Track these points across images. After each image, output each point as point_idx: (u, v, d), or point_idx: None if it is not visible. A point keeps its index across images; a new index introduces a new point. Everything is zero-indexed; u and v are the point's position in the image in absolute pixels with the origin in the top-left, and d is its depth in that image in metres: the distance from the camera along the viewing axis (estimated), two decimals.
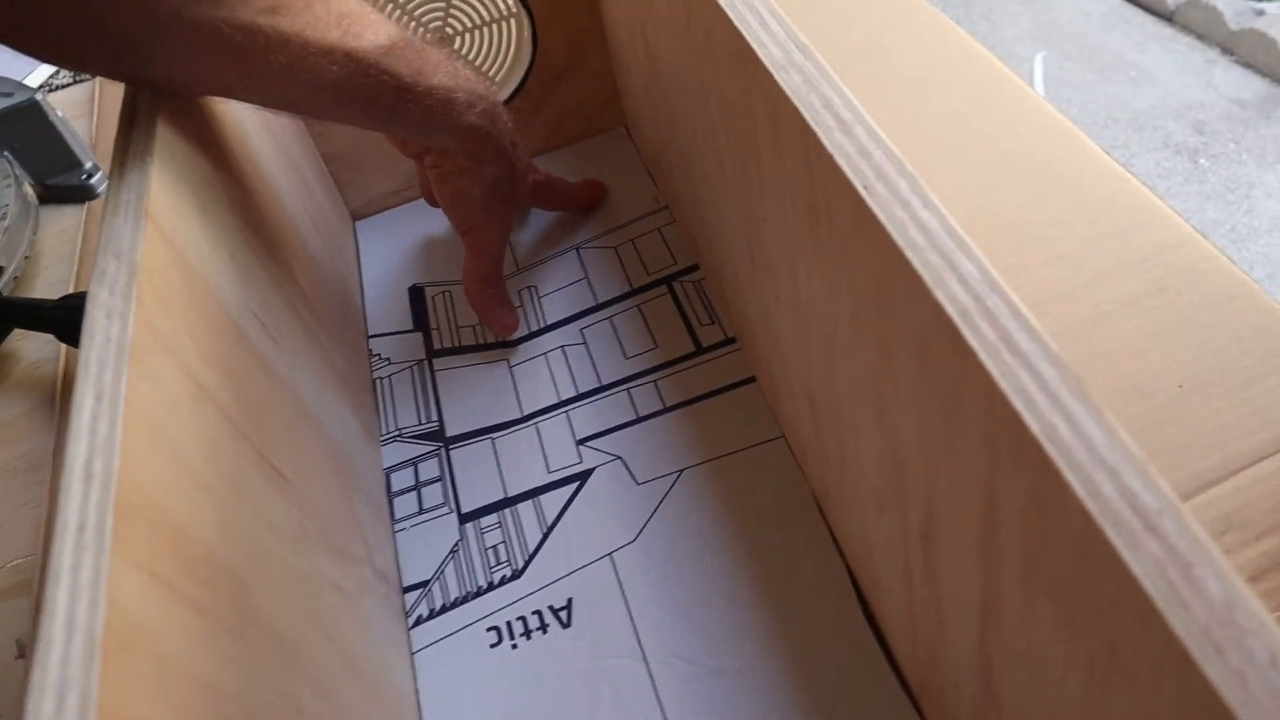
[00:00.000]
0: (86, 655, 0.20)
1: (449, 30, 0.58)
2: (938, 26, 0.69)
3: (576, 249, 0.59)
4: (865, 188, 0.24)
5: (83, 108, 0.84)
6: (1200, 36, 1.66)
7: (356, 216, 0.64)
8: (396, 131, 0.46)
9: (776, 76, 0.27)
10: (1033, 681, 0.24)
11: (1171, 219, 0.55)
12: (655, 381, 0.52)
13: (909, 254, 0.22)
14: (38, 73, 0.88)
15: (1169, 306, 0.52)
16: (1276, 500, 0.44)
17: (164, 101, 0.35)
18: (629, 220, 0.60)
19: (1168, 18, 1.72)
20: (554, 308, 0.56)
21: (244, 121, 0.45)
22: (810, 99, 0.26)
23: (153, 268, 0.29)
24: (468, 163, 0.48)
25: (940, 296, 0.21)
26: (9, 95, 0.78)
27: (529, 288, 0.57)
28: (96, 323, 0.27)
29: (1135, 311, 0.52)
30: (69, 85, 0.88)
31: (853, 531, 0.40)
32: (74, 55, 0.33)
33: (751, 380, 0.51)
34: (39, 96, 0.72)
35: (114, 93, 0.83)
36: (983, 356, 0.20)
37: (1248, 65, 1.59)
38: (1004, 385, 0.20)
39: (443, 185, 0.49)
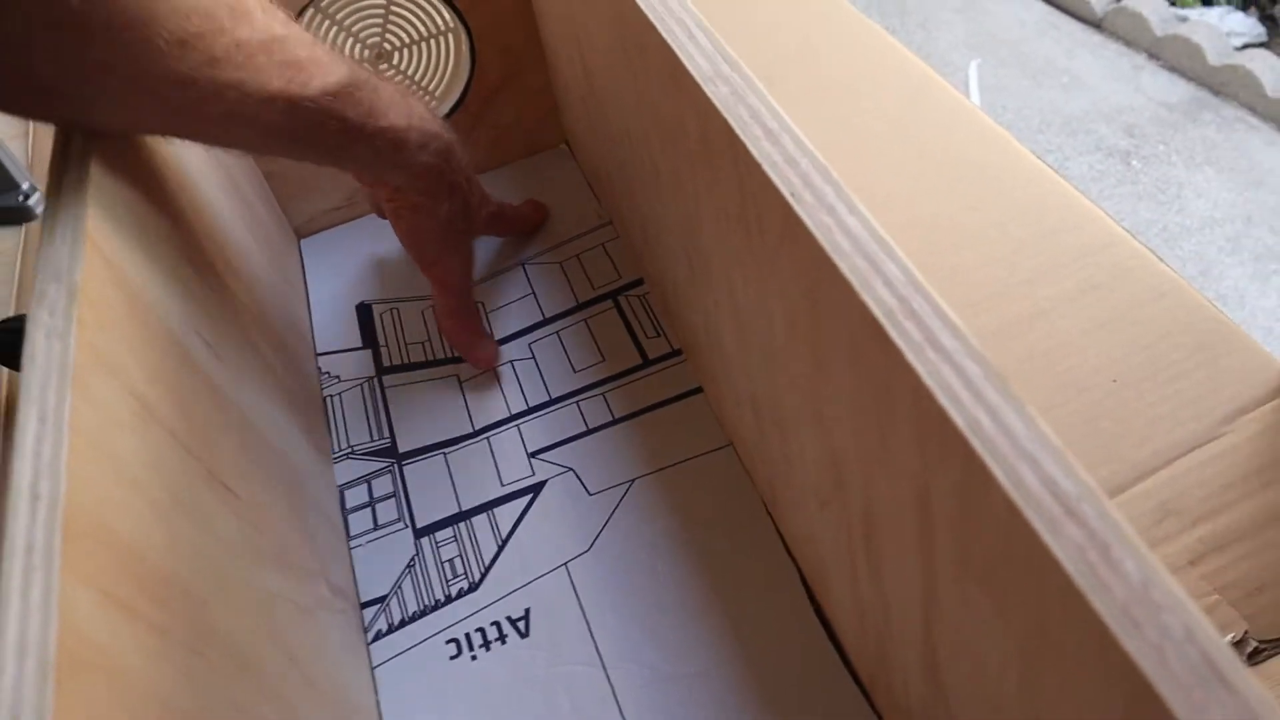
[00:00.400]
0: (40, 676, 0.20)
1: (386, 46, 0.58)
2: (870, 36, 0.70)
3: (523, 265, 0.59)
4: (792, 195, 0.24)
5: (17, 127, 0.83)
6: (1128, 42, 1.71)
7: (300, 234, 0.63)
8: (347, 169, 0.46)
9: (705, 88, 0.28)
10: (974, 669, 0.25)
11: (1102, 220, 0.57)
12: (604, 394, 0.52)
13: (836, 259, 0.23)
14: None
15: (1101, 304, 0.54)
16: (1210, 488, 0.46)
17: None
18: (573, 236, 0.60)
19: (1096, 25, 1.77)
20: (502, 324, 0.56)
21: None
22: (738, 110, 0.27)
23: (92, 288, 0.29)
24: (421, 199, 0.47)
25: (866, 298, 0.22)
26: None
27: (477, 304, 0.58)
28: (37, 345, 0.27)
29: (1070, 309, 0.53)
30: None
31: (800, 533, 0.41)
32: (6, 101, 0.32)
33: (698, 390, 0.51)
34: None
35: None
36: (908, 355, 0.21)
37: (1173, 69, 1.64)
38: (929, 382, 0.21)
39: (398, 221, 0.49)
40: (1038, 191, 0.59)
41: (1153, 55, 1.67)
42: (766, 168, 0.25)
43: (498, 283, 0.59)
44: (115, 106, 0.33)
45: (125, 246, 0.33)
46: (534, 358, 0.54)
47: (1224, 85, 1.57)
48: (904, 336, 0.21)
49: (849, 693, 0.40)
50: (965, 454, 0.20)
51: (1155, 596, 0.17)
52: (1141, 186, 1.44)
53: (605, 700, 0.41)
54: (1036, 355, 0.51)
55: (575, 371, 0.53)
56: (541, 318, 0.56)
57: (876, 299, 0.22)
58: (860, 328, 0.23)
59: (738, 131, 0.26)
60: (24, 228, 0.74)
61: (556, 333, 0.55)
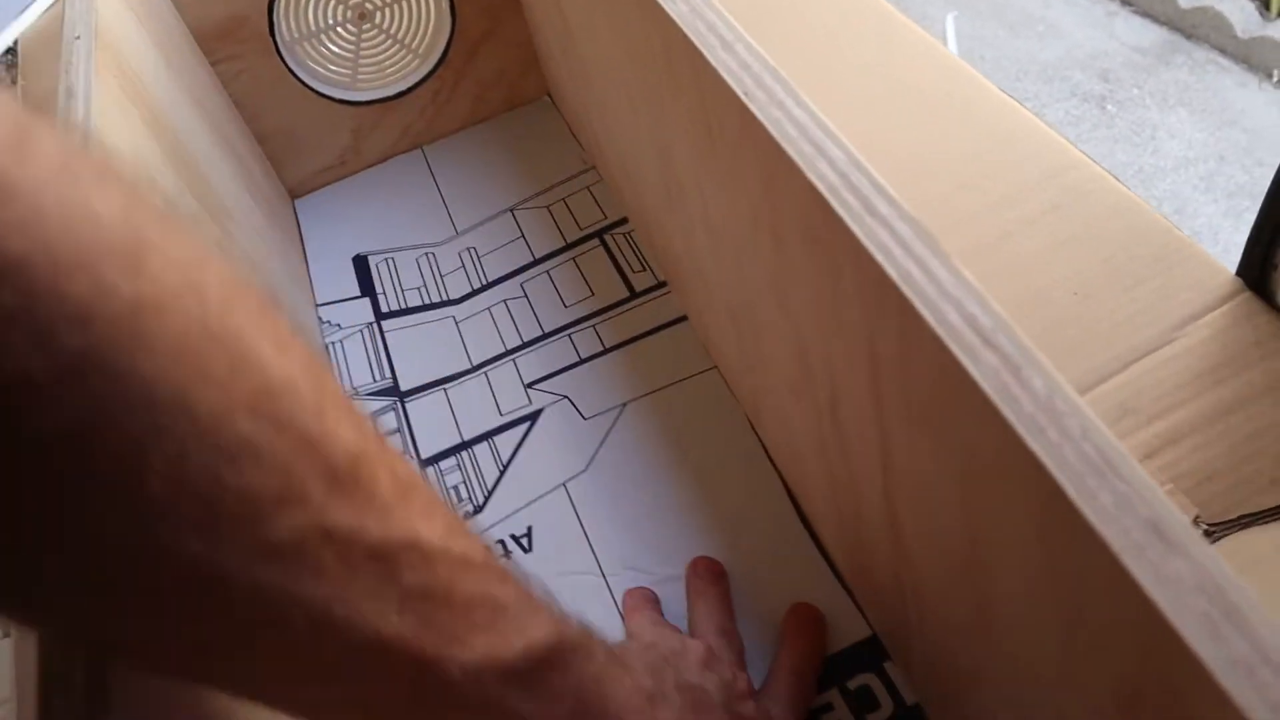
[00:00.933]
0: None
1: (368, 6, 0.60)
2: None
3: (511, 210, 0.62)
4: (745, 94, 0.27)
5: None
6: None
7: (295, 195, 0.66)
8: None
9: (666, 8, 0.30)
10: (926, 514, 0.28)
11: (1063, 146, 0.60)
12: (594, 326, 0.55)
13: (784, 145, 0.26)
14: None
15: (1063, 223, 0.56)
16: (1164, 388, 0.48)
17: (98, 94, 0.37)
18: (559, 181, 0.63)
19: None
20: (494, 266, 0.59)
21: (179, 103, 0.47)
22: (695, 24, 0.29)
23: None
24: None
25: (812, 177, 0.25)
26: None
27: (469, 249, 0.60)
28: None
29: (1034, 230, 0.56)
30: None
31: (780, 437, 0.44)
32: None
33: (683, 319, 0.54)
34: None
35: (40, 99, 0.84)
36: (849, 222, 0.24)
37: (1146, 15, 1.66)
38: (867, 243, 0.23)
39: None
40: (1003, 123, 0.62)
41: (1125, 1, 1.69)
42: (722, 72, 0.28)
43: (488, 228, 0.61)
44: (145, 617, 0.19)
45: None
46: (526, 296, 0.57)
47: (1195, 28, 1.59)
48: (845, 206, 0.24)
49: (830, 585, 0.43)
50: (900, 303, 0.23)
51: (1058, 405, 0.20)
52: (1117, 130, 1.46)
53: (606, 604, 0.44)
54: (1003, 272, 0.54)
55: (566, 307, 0.56)
56: (532, 258, 0.59)
57: (820, 176, 0.25)
58: (810, 207, 0.25)
59: (695, 42, 0.29)
60: None
61: (547, 272, 0.58)
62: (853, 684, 0.39)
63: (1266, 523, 0.42)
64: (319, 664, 0.20)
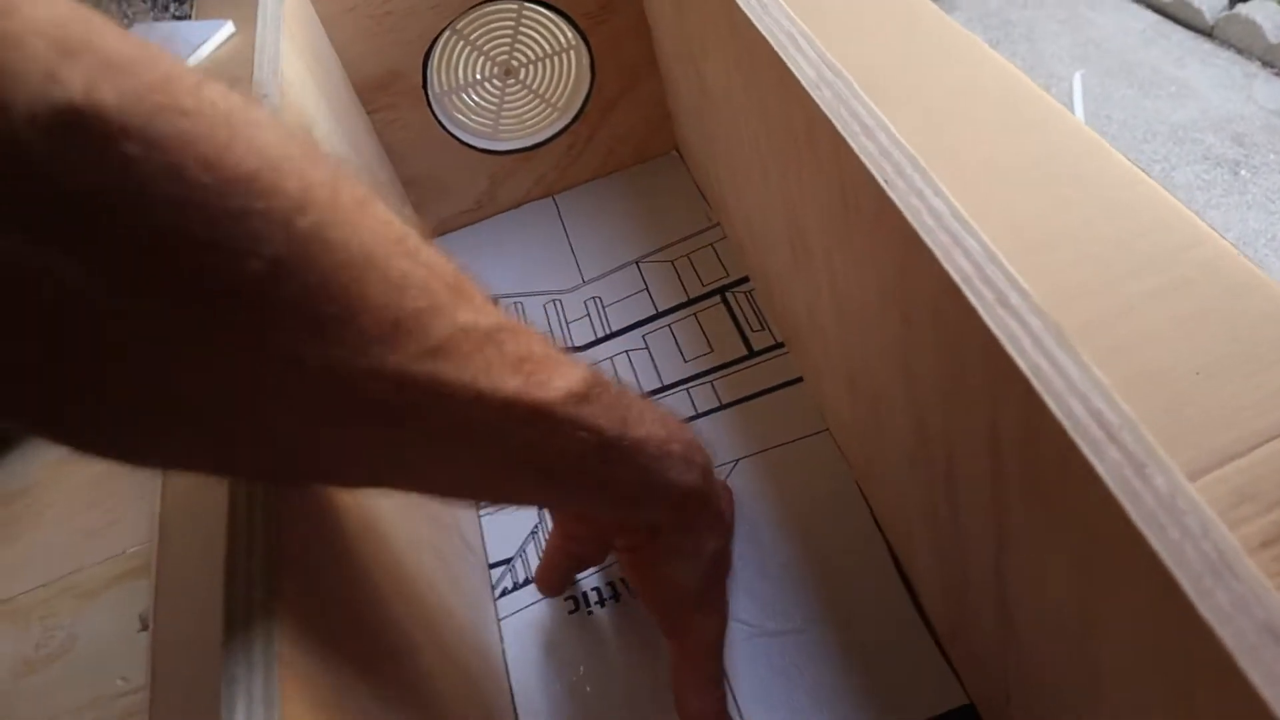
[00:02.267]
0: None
1: (514, 63, 0.64)
2: (968, 47, 0.73)
3: (636, 263, 0.65)
4: (886, 181, 0.29)
5: None
6: (1239, 50, 1.69)
7: (431, 235, 0.70)
8: (599, 508, 0.36)
9: (811, 93, 0.32)
10: (1037, 592, 0.29)
11: (1190, 219, 0.59)
12: (712, 382, 0.57)
13: (923, 235, 0.27)
14: None
15: (1188, 300, 0.56)
16: None
17: None
18: (684, 237, 0.65)
19: (1207, 33, 1.74)
20: (618, 316, 0.62)
21: (342, 150, 0.51)
22: (840, 110, 0.31)
23: None
24: (681, 538, 0.37)
25: (948, 267, 0.26)
26: None
27: (594, 298, 0.63)
28: None
29: (1157, 304, 0.55)
30: None
31: (889, 502, 0.45)
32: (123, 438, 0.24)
33: (799, 380, 0.56)
34: None
35: None
36: (982, 313, 0.25)
37: None
38: (999, 334, 0.25)
39: (645, 578, 0.39)
40: (1129, 194, 0.61)
41: (1266, 63, 1.64)
42: (864, 159, 0.30)
43: (614, 279, 0.64)
44: (299, 425, 0.25)
45: None
46: (647, 348, 0.59)
47: None
48: (978, 297, 0.25)
49: (930, 650, 0.43)
50: (1026, 393, 0.24)
51: (1179, 504, 0.21)
52: (1250, 196, 1.42)
53: None
54: (1124, 348, 0.54)
55: (685, 361, 0.58)
56: (654, 311, 0.61)
57: (956, 267, 0.26)
58: (942, 292, 0.27)
59: (839, 129, 0.31)
60: None
61: (668, 325, 0.60)
62: None
63: None
64: (478, 430, 0.27)
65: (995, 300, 0.25)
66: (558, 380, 0.29)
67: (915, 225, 0.28)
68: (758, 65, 0.38)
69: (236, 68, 0.98)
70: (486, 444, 0.28)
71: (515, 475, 0.30)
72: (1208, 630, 0.19)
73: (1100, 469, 0.22)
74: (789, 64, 0.34)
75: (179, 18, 1.12)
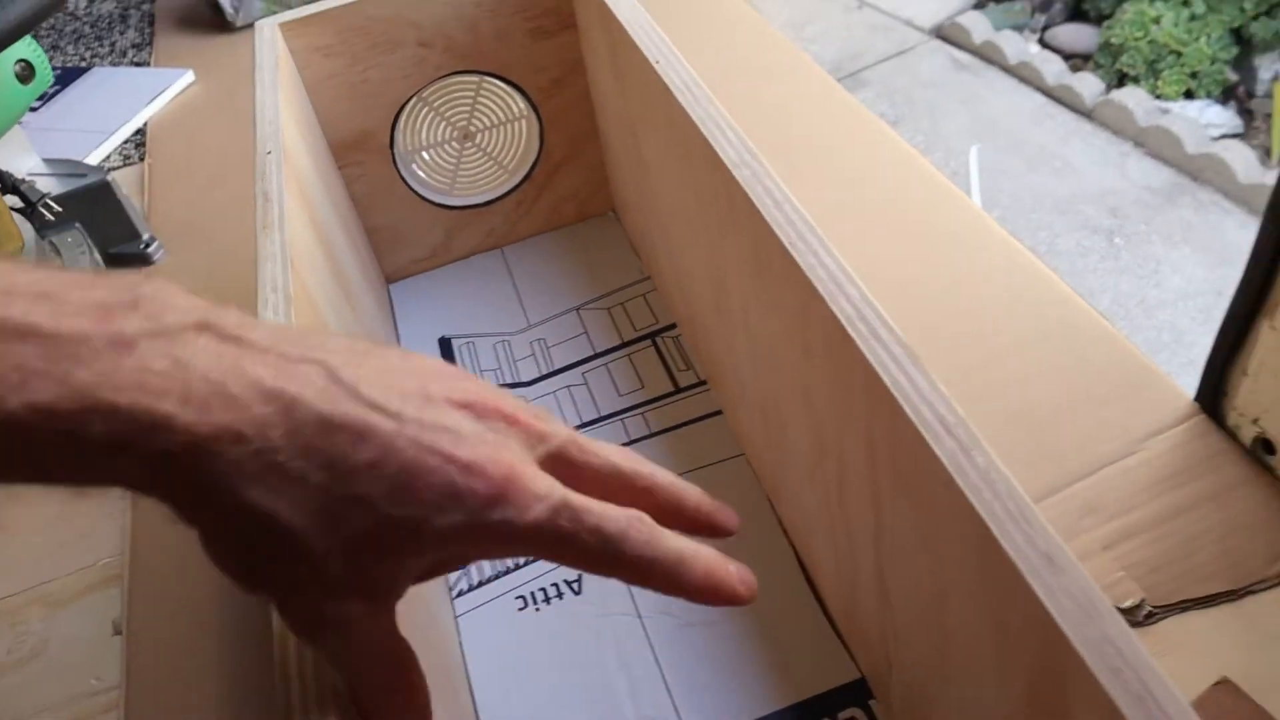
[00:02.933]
0: None
1: (471, 128, 0.72)
2: (873, 130, 0.84)
3: (577, 310, 0.72)
4: (790, 244, 0.37)
5: (136, 186, 0.97)
6: (1115, 131, 1.86)
7: (390, 280, 0.77)
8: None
9: (734, 172, 0.41)
10: (905, 567, 0.37)
11: (1053, 281, 0.70)
12: (643, 413, 0.65)
13: (816, 285, 0.36)
14: (98, 151, 1.01)
15: (1050, 350, 0.66)
16: (1124, 492, 0.57)
17: (287, 198, 0.48)
18: (620, 288, 0.73)
19: (1087, 115, 1.92)
20: (560, 356, 0.69)
21: (323, 202, 0.58)
22: (756, 187, 0.40)
23: (298, 296, 0.42)
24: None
25: (835, 310, 0.35)
26: (82, 176, 0.90)
27: (539, 340, 0.71)
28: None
29: (1021, 354, 0.66)
30: (123, 166, 1.01)
31: (795, 514, 0.53)
32: None
33: (718, 413, 0.64)
34: (109, 177, 0.84)
35: (163, 173, 0.96)
36: (859, 344, 0.34)
37: (1156, 157, 1.78)
38: (871, 359, 0.33)
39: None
40: (1002, 259, 0.72)
41: (1137, 143, 1.81)
42: (774, 227, 0.38)
43: (557, 323, 0.72)
44: None
45: (312, 276, 0.46)
46: (586, 384, 0.67)
47: (1200, 171, 1.71)
48: (857, 332, 0.34)
49: (828, 635, 0.51)
50: (891, 403, 0.32)
51: (992, 475, 0.30)
52: (1123, 262, 1.57)
53: (640, 642, 0.53)
54: (992, 390, 0.64)
55: (620, 395, 0.66)
56: (593, 352, 0.69)
57: (841, 310, 0.35)
58: (832, 329, 0.35)
59: (755, 202, 0.39)
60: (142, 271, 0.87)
61: (605, 365, 0.68)
62: (842, 716, 0.48)
63: (1203, 608, 0.51)
64: None
65: (869, 333, 0.34)
66: None
67: (811, 278, 0.36)
68: (689, 146, 0.47)
69: (198, 116, 1.05)
70: None
71: None
72: (1008, 563, 0.28)
73: (939, 453, 0.30)
74: (716, 147, 0.43)
75: (138, 64, 1.17)
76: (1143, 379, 0.63)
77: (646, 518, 0.30)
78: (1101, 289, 1.48)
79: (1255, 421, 0.56)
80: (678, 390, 0.66)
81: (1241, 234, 1.58)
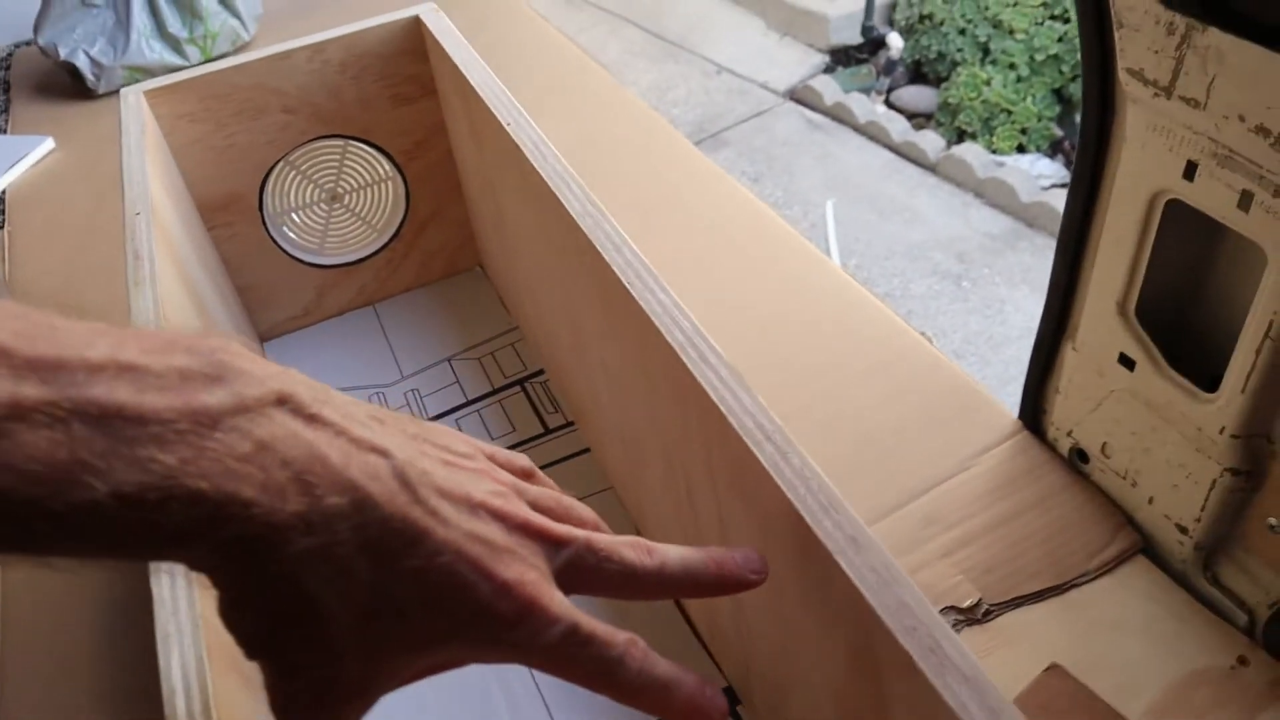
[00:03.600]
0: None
1: (339, 190, 0.74)
2: (722, 184, 0.90)
3: (449, 360, 0.75)
4: (629, 284, 0.41)
5: None
6: (958, 184, 2.00)
7: (263, 339, 0.78)
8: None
9: (580, 223, 0.45)
10: None
11: (890, 317, 0.76)
12: None
13: (654, 319, 0.40)
14: None
15: (889, 380, 0.72)
16: (959, 504, 0.63)
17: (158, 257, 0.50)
18: (488, 338, 0.77)
19: (931, 168, 2.06)
20: (434, 404, 0.72)
21: (192, 261, 0.60)
22: (597, 233, 0.44)
23: None
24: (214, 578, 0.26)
25: (669, 339, 0.39)
26: None
27: (413, 390, 0.73)
28: None
29: (862, 384, 0.71)
30: None
31: (658, 535, 0.57)
32: None
33: (586, 451, 0.67)
34: None
35: (24, 241, 0.95)
36: (690, 367, 0.38)
37: (995, 206, 1.93)
38: (702, 382, 0.37)
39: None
40: (841, 298, 0.78)
41: (978, 194, 1.95)
42: (615, 269, 0.42)
43: (429, 374, 0.74)
44: None
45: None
46: (460, 429, 0.70)
47: (1035, 218, 1.86)
48: (689, 358, 0.38)
49: (694, 647, 0.55)
50: (719, 417, 0.36)
51: (806, 473, 0.34)
52: (971, 303, 1.68)
53: (524, 676, 0.55)
54: (840, 417, 0.69)
55: (493, 438, 0.69)
56: (465, 399, 0.72)
57: (674, 339, 0.39)
58: (669, 358, 0.39)
59: (597, 246, 0.43)
60: None
61: (478, 410, 0.71)
62: None
63: (1033, 603, 0.56)
64: None
65: (699, 359, 0.38)
66: None
67: (649, 312, 0.40)
68: (541, 200, 0.51)
69: (60, 185, 1.04)
70: None
71: None
72: (821, 546, 0.32)
73: (760, 457, 0.35)
74: (562, 200, 0.47)
75: None
76: (972, 401, 0.69)
77: (641, 643, 0.31)
78: (953, 329, 1.58)
79: (1069, 434, 0.62)
80: (547, 431, 0.69)
81: None
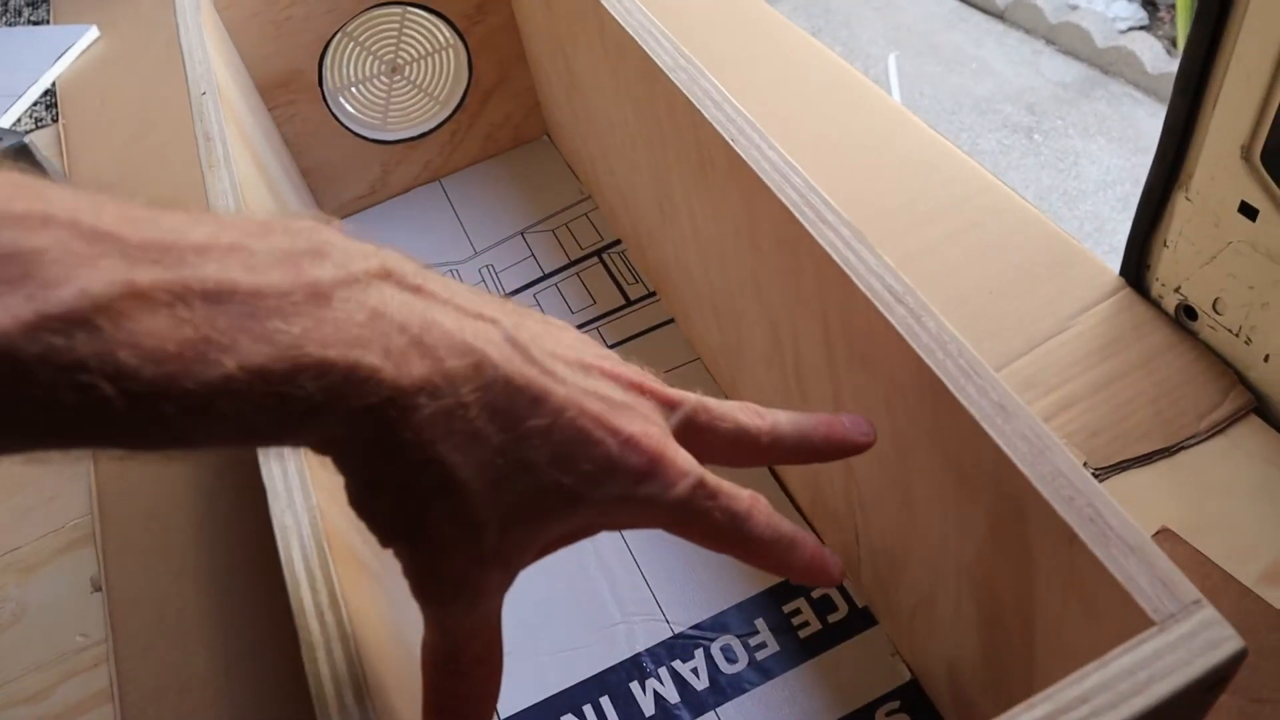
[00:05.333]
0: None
1: (399, 60, 0.71)
2: (793, 37, 0.85)
3: (521, 234, 0.73)
4: (732, 140, 0.39)
5: (52, 148, 0.94)
6: (1027, 30, 1.89)
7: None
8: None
9: (670, 76, 0.42)
10: None
11: (980, 171, 0.72)
12: (598, 328, 0.66)
13: (761, 176, 0.37)
14: (7, 115, 0.98)
15: (979, 236, 0.68)
16: (1060, 365, 0.60)
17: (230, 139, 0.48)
18: (561, 209, 0.74)
19: (999, 15, 1.95)
20: (510, 280, 0.70)
21: (261, 143, 0.58)
22: (693, 88, 0.41)
23: None
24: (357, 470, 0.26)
25: (782, 198, 0.36)
26: None
27: (488, 266, 0.71)
28: None
29: (955, 242, 0.68)
30: (35, 129, 0.98)
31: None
32: None
33: (670, 322, 0.65)
34: (27, 140, 0.82)
35: (79, 133, 0.93)
36: (809, 229, 0.35)
37: (1068, 53, 1.82)
38: (822, 242, 0.35)
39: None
40: (928, 154, 0.74)
41: (1049, 41, 1.85)
42: (714, 124, 0.39)
43: (502, 249, 0.72)
44: None
45: (263, 215, 0.46)
46: (539, 305, 0.68)
47: (1111, 65, 1.75)
48: (805, 218, 0.36)
49: (795, 519, 0.54)
50: (843, 280, 0.34)
51: (944, 336, 0.32)
52: (1043, 157, 1.61)
53: (619, 547, 0.55)
54: (930, 277, 0.66)
55: (573, 313, 0.67)
56: (542, 274, 0.70)
57: (788, 198, 0.36)
58: (780, 218, 0.37)
59: (694, 102, 0.40)
60: None
61: (555, 284, 0.69)
62: (816, 594, 0.51)
63: (1140, 466, 0.54)
64: None
65: (817, 218, 0.36)
66: (28, 301, 0.19)
67: (756, 170, 0.38)
68: (623, 57, 0.48)
69: (108, 73, 1.01)
70: None
71: None
72: (964, 414, 0.30)
73: (893, 320, 0.32)
74: (650, 54, 0.44)
75: (35, 23, 1.13)
76: (1069, 258, 0.66)
77: (763, 499, 0.31)
78: (1024, 184, 1.52)
79: (1177, 290, 0.59)
80: (629, 303, 0.67)
81: (1153, 123, 1.64)
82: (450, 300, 0.26)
